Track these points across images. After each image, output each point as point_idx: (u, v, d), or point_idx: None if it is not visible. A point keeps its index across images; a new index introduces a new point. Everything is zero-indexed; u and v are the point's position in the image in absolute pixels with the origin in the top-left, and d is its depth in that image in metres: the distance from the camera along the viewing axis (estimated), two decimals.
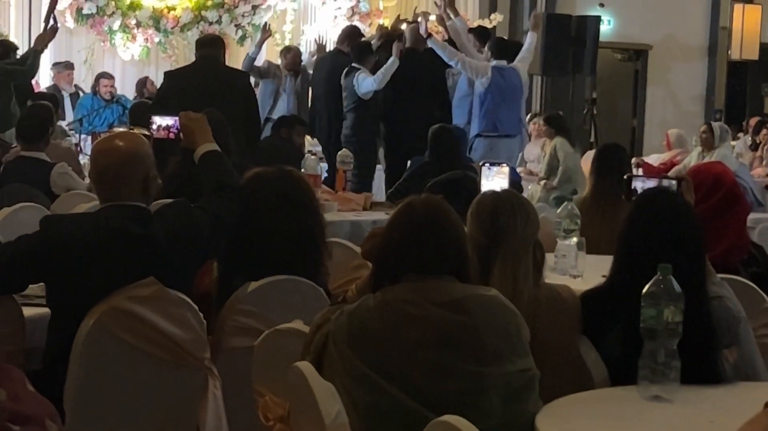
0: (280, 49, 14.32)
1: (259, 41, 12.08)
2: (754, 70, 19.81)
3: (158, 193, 4.54)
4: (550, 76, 16.55)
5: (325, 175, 9.89)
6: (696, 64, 19.23)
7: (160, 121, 6.94)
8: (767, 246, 5.77)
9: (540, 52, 14.80)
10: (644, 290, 3.34)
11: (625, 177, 5.86)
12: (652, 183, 5.33)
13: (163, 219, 4.15)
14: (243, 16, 15.40)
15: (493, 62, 10.84)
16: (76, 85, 14.14)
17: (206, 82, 8.82)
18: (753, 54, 18.93)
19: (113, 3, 14.85)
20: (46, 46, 11.22)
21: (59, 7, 12.84)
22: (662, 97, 19.21)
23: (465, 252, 3.45)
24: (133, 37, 15.08)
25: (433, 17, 12.40)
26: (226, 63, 10.13)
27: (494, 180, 6.79)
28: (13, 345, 3.99)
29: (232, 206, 4.43)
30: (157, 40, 15.18)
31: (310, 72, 12.50)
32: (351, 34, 12.13)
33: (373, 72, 10.94)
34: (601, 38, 16.23)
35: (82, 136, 11.77)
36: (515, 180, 7.44)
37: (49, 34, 11.21)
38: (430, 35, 10.97)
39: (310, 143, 11.16)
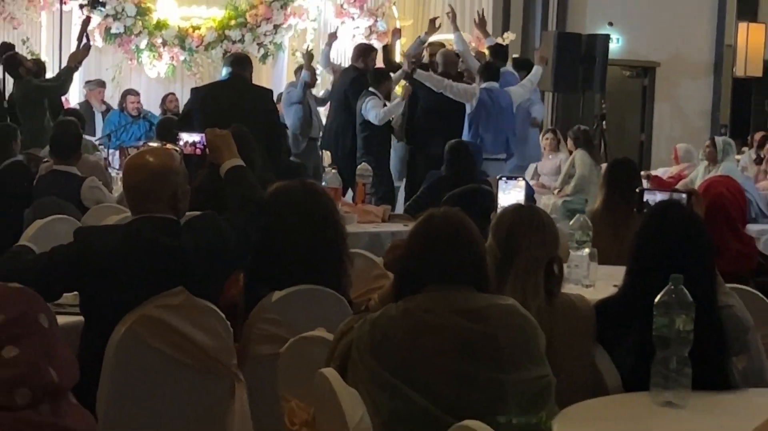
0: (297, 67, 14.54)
1: (306, 65, 12.07)
2: (758, 87, 19.76)
3: (187, 207, 4.56)
4: (560, 92, 16.53)
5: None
6: (702, 80, 19.19)
7: (187, 137, 6.98)
8: None
9: (551, 69, 14.81)
10: (657, 299, 3.35)
11: (637, 190, 5.86)
12: (663, 196, 5.34)
13: (192, 231, 4.15)
14: (265, 35, 15.41)
15: (483, 84, 10.80)
16: (105, 102, 14.17)
17: (232, 99, 8.81)
18: (757, 71, 18.91)
19: (140, 23, 14.89)
20: (80, 63, 11.30)
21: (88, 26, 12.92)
22: (669, 113, 19.18)
23: (483, 262, 3.45)
24: (159, 56, 15.11)
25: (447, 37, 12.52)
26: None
27: (511, 193, 6.77)
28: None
29: (256, 219, 4.43)
30: (182, 58, 15.20)
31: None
32: (364, 51, 12.15)
33: (386, 96, 11.06)
34: (610, 56, 16.21)
35: (111, 151, 11.80)
36: (529, 193, 7.41)
37: (82, 52, 11.29)
38: (414, 70, 10.96)
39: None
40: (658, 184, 11.94)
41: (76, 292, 4.10)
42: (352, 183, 9.37)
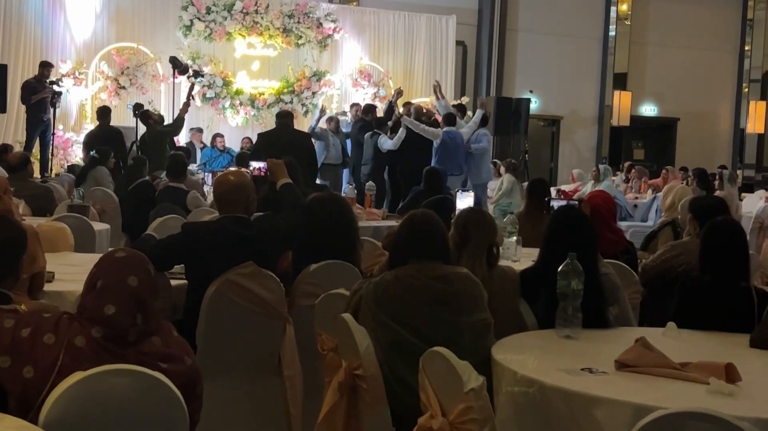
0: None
1: (317, 118, 12.05)
2: (627, 132, 19.79)
3: (255, 209, 4.56)
4: (499, 135, 16.53)
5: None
6: (590, 128, 19.20)
7: (255, 164, 6.98)
8: (635, 242, 5.78)
9: (492, 120, 14.83)
10: (559, 269, 3.35)
11: (546, 199, 5.87)
12: (563, 202, 5.34)
13: (259, 224, 4.15)
14: (306, 98, 15.42)
15: (445, 128, 10.88)
16: (202, 142, 14.19)
17: (284, 139, 8.83)
18: (626, 122, 18.98)
19: (225, 90, 14.88)
20: (185, 113, 11.51)
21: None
22: (569, 149, 19.18)
23: (447, 245, 3.47)
24: (238, 112, 15.09)
25: (426, 99, 12.62)
26: (295, 127, 10.15)
27: (465, 200, 6.80)
28: (164, 303, 3.97)
29: (300, 217, 4.42)
30: (252, 113, 15.17)
31: (344, 130, 12.64)
32: (368, 109, 12.25)
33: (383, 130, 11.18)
34: (531, 112, 16.24)
35: (205, 174, 11.82)
36: (476, 200, 7.41)
37: (185, 107, 11.46)
38: (401, 116, 11.08)
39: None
40: (564, 195, 11.96)
41: (183, 264, 4.10)
42: (362, 194, 9.40)
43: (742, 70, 20.23)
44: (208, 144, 14.06)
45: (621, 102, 18.87)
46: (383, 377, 3.04)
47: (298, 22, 15.26)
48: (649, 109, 19.83)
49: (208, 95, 14.69)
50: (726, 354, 2.90)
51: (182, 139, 14.16)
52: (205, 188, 9.87)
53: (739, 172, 18.46)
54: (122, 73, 14.28)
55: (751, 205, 12.16)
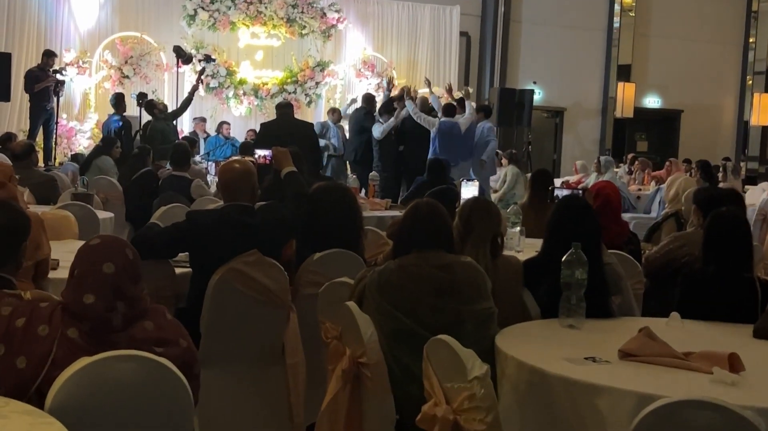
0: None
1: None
2: (631, 124, 19.74)
3: (259, 197, 4.56)
4: (502, 127, 16.49)
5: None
6: (594, 120, 19.16)
7: (260, 152, 6.98)
8: (639, 233, 5.78)
9: (496, 112, 14.80)
10: (563, 259, 3.35)
11: (549, 188, 5.86)
12: (566, 192, 5.34)
13: (263, 213, 4.14)
14: (309, 88, 15.40)
15: (442, 118, 10.92)
16: (206, 131, 14.20)
17: (287, 129, 8.83)
18: (630, 114, 18.92)
19: (229, 80, 14.88)
20: (192, 95, 11.82)
21: (193, 80, 12.99)
22: (572, 141, 19.15)
23: (451, 234, 3.46)
24: (241, 102, 15.08)
25: (426, 90, 12.67)
26: (299, 117, 10.17)
27: (469, 190, 6.79)
28: (168, 291, 4.00)
29: (304, 206, 4.41)
30: (256, 103, 15.16)
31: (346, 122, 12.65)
32: (370, 98, 12.24)
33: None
34: (534, 103, 16.20)
35: (209, 163, 11.82)
36: (480, 191, 7.41)
37: (193, 89, 11.81)
38: (404, 96, 11.19)
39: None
40: (568, 186, 11.97)
41: (187, 252, 4.10)
42: (365, 184, 9.39)
43: (747, 62, 20.17)
44: (212, 133, 14.07)
45: (625, 93, 18.83)
46: (387, 365, 3.04)
47: (302, 12, 15.23)
48: (652, 101, 19.79)
49: (211, 85, 14.68)
50: (729, 344, 2.91)
51: (186, 128, 14.17)
52: (209, 177, 9.88)
53: (742, 164, 18.46)
54: (126, 62, 14.28)
55: (754, 197, 12.12)
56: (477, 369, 2.49)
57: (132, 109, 12.51)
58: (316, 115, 15.55)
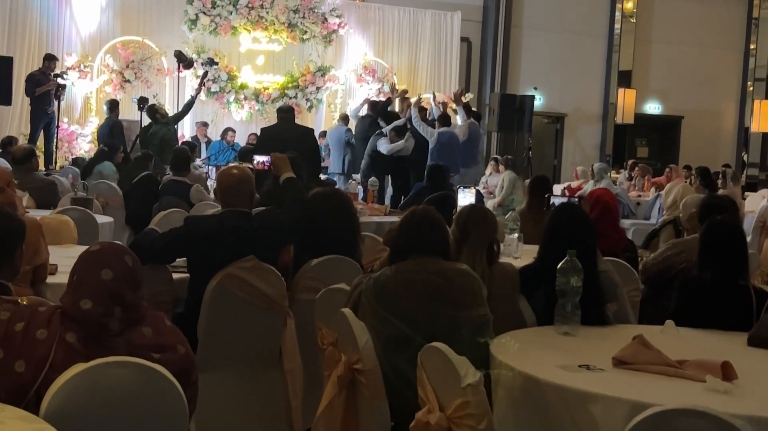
0: (333, 114, 14.86)
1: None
2: (631, 130, 19.75)
3: (257, 203, 4.56)
4: (502, 132, 16.52)
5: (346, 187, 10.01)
6: (594, 125, 19.17)
7: (259, 158, 6.99)
8: (638, 240, 5.79)
9: (496, 117, 14.83)
10: (558, 266, 3.36)
11: (546, 196, 5.88)
12: (563, 200, 5.34)
13: (260, 219, 4.16)
14: (310, 93, 15.44)
15: (440, 129, 11.10)
16: (207, 136, 14.23)
17: (287, 133, 8.86)
18: (630, 120, 18.93)
19: (230, 84, 14.92)
20: (196, 98, 11.95)
21: (194, 84, 13.03)
22: (572, 147, 19.16)
23: (447, 241, 3.46)
24: (242, 106, 15.11)
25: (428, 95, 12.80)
26: (300, 122, 10.21)
27: (466, 197, 6.80)
28: (166, 296, 4.02)
29: (302, 212, 4.40)
30: (257, 108, 15.20)
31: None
32: (372, 105, 12.27)
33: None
34: (535, 109, 16.21)
35: (210, 167, 11.85)
36: (478, 197, 7.41)
37: (196, 93, 12.02)
38: (410, 106, 11.40)
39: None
40: (570, 192, 12.02)
41: (185, 258, 4.12)
42: (364, 190, 9.42)
43: (747, 68, 20.18)
44: (213, 138, 14.08)
45: (625, 99, 18.84)
46: (382, 371, 3.04)
47: (303, 17, 15.27)
48: (653, 107, 19.80)
49: (212, 89, 14.71)
50: (723, 352, 2.92)
51: (187, 132, 14.20)
52: (209, 182, 9.89)
53: (742, 170, 18.45)
54: (127, 66, 14.32)
55: (754, 204, 12.14)
56: (470, 377, 2.50)
57: (133, 113, 12.55)
58: (316, 119, 15.59)
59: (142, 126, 11.57)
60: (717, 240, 3.71)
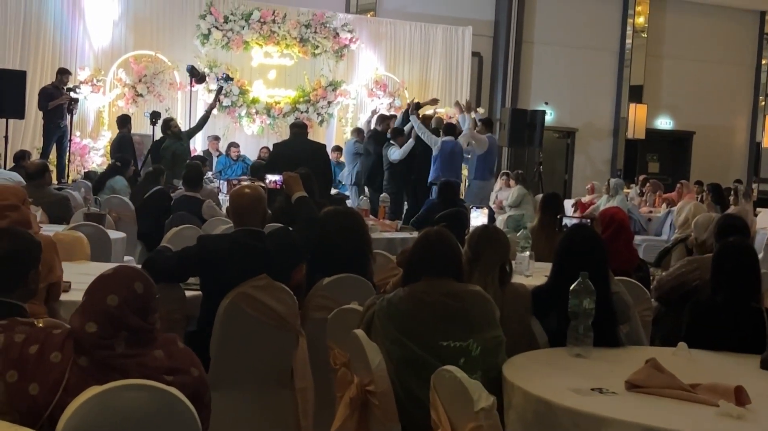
0: (344, 129, 14.98)
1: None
2: (642, 145, 19.75)
3: (269, 219, 4.57)
4: (513, 147, 16.52)
5: (358, 202, 10.04)
6: (605, 140, 19.18)
7: (271, 177, 7.03)
8: (650, 258, 5.78)
9: (507, 132, 14.84)
10: (571, 288, 3.35)
11: (558, 216, 5.88)
12: (574, 220, 5.34)
13: (273, 238, 4.17)
14: (322, 107, 15.49)
15: (444, 138, 11.18)
16: (219, 149, 14.28)
17: (299, 149, 8.87)
18: (641, 135, 18.94)
19: (241, 99, 14.98)
20: (209, 113, 12.01)
21: (208, 100, 13.09)
22: (583, 161, 19.16)
23: (460, 262, 3.46)
24: (253, 120, 15.16)
25: (442, 110, 12.87)
26: (311, 137, 10.24)
27: (479, 218, 6.81)
28: (178, 314, 4.03)
29: (314, 231, 4.41)
30: (268, 122, 15.24)
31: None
32: (384, 118, 12.33)
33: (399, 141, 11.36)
34: (546, 124, 16.20)
35: (221, 182, 11.88)
36: (490, 217, 7.41)
37: (210, 108, 12.06)
38: (411, 112, 11.49)
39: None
40: (580, 207, 12.03)
41: (198, 276, 4.12)
42: (376, 206, 9.43)
43: (759, 83, 20.17)
44: (224, 152, 14.14)
45: (636, 114, 18.85)
46: (395, 393, 3.05)
47: (315, 32, 15.33)
48: (664, 122, 19.79)
49: (224, 104, 14.76)
50: (736, 376, 2.91)
51: (199, 146, 14.25)
52: (221, 196, 9.92)
53: (754, 186, 18.40)
54: (140, 80, 14.38)
55: (765, 220, 12.11)
56: (484, 401, 2.50)
57: (146, 127, 12.60)
58: (327, 134, 15.63)
59: (154, 140, 11.63)
60: (730, 262, 3.70)
